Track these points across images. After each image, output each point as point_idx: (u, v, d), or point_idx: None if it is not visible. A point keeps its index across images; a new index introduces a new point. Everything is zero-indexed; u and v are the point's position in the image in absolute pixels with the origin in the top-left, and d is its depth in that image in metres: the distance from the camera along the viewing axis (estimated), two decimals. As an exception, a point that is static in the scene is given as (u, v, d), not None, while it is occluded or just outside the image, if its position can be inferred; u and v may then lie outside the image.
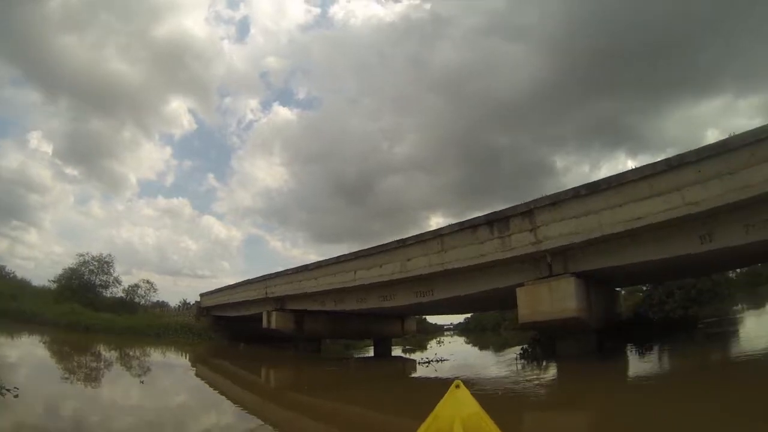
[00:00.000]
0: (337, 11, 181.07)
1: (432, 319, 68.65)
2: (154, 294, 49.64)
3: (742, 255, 15.50)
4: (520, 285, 15.25)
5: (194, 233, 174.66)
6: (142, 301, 47.61)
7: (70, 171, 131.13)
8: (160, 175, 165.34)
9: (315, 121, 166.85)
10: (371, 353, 32.83)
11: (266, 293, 28.56)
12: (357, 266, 21.04)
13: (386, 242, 20.13)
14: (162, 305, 59.08)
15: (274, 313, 27.50)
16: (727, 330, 20.67)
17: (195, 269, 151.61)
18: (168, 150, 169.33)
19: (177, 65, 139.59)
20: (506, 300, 16.76)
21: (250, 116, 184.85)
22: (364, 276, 20.46)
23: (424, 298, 18.92)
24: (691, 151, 12.53)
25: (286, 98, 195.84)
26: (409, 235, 19.38)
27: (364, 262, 20.74)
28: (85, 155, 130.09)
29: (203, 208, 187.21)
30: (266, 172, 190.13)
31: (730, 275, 39.45)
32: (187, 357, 26.88)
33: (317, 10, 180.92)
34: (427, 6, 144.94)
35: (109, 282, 45.19)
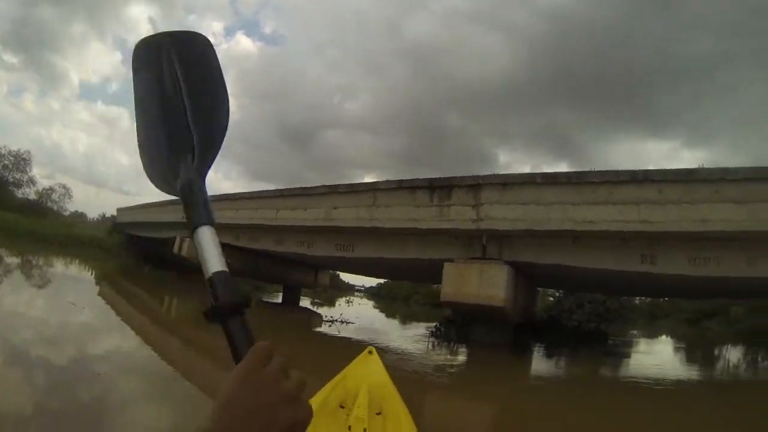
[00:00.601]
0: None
1: (345, 277, 67.60)
2: (69, 201, 45.59)
3: (675, 285, 15.11)
4: (449, 260, 13.81)
5: (128, 147, 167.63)
6: (55, 207, 43.78)
7: (9, 58, 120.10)
8: (104, 80, 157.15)
9: (275, 58, 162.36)
10: (279, 299, 30.90)
11: (183, 217, 25.37)
12: (280, 205, 18.94)
13: (316, 185, 18.15)
14: (80, 216, 55.67)
15: (187, 239, 24.66)
16: (628, 351, 21.41)
17: (121, 184, 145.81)
18: (118, 55, 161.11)
19: None
20: (429, 273, 15.42)
21: (210, 39, 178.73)
22: (285, 216, 18.38)
23: (345, 253, 17.18)
24: (657, 170, 12.09)
25: (251, 29, 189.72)
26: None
27: (288, 202, 18.66)
28: (29, 44, 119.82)
29: None
30: None
31: (636, 301, 40.67)
32: (93, 273, 24.81)
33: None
34: None
35: (22, 181, 41.49)
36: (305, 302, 32.87)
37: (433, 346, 15.36)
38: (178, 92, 0.92)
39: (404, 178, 15.18)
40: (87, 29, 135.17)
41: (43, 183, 44.95)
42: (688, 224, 10.88)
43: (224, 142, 0.93)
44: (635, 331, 34.48)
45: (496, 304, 12.73)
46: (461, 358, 14.34)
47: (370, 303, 56.48)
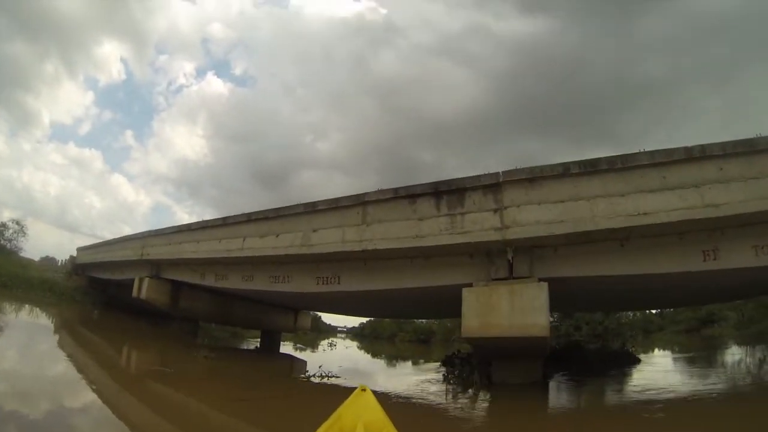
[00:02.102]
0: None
1: (327, 319, 63.18)
2: (23, 238, 40.41)
3: (734, 283, 11.96)
4: (467, 285, 10.18)
5: (101, 190, 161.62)
6: (9, 246, 38.82)
7: None
8: (77, 121, 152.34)
9: (246, 100, 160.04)
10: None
11: (142, 254, 21.43)
12: (247, 232, 14.99)
13: (289, 205, 14.19)
14: (50, 260, 51.33)
15: (146, 279, 20.58)
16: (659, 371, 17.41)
17: (95, 229, 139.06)
18: (90, 96, 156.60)
19: (119, 5, 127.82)
20: (438, 305, 12.24)
21: (182, 80, 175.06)
22: (254, 246, 14.47)
23: (328, 287, 13.26)
24: (714, 144, 9.18)
25: (222, 70, 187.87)
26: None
27: (256, 228, 14.74)
28: None
29: (115, 165, 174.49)
30: (186, 142, 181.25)
31: (629, 317, 38.05)
32: (52, 321, 20.82)
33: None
34: (384, 11, 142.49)
35: None
36: (287, 347, 28.89)
37: (453, 394, 11.40)
38: None
39: (400, 186, 11.53)
40: (59, 68, 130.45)
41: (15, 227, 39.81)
42: (755, 203, 8.45)
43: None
44: (633, 348, 31.28)
45: (537, 334, 9.22)
46: (495, 407, 10.31)
47: (354, 344, 52.01)
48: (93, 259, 29.58)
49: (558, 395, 11.39)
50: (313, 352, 31.03)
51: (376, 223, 11.35)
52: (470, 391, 11.25)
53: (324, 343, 42.51)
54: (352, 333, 74.75)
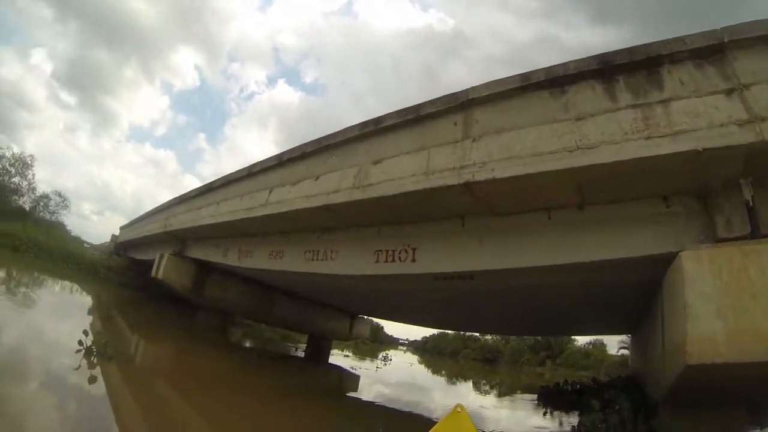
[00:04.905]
0: (362, 5, 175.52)
1: (389, 330, 58.43)
2: (65, 212, 38.60)
3: None
4: (666, 255, 5.06)
5: (174, 189, 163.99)
6: (52, 217, 36.74)
7: (66, 96, 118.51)
8: (153, 124, 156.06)
9: (316, 108, 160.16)
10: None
11: (165, 225, 17.02)
12: (276, 180, 9.85)
13: (336, 131, 8.72)
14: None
15: (166, 256, 16.10)
16: None
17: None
18: (166, 100, 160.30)
19: (194, 16, 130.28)
20: (585, 306, 7.87)
21: (253, 87, 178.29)
22: (283, 198, 9.19)
23: (394, 267, 7.72)
24: None
25: (293, 78, 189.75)
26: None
27: (288, 173, 9.54)
28: (84, 85, 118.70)
29: (187, 166, 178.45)
30: (257, 147, 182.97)
31: None
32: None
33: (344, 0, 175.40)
34: (452, 21, 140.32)
35: (22, 187, 34.53)
36: (338, 357, 24.29)
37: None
38: None
39: (529, 70, 6.08)
40: (138, 73, 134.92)
41: (93, 218, 38.17)
42: None
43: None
44: None
45: None
46: None
47: (415, 358, 47.13)
48: (129, 236, 25.41)
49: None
50: (372, 361, 26.91)
51: (492, 134, 6.00)
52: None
53: (380, 355, 37.64)
54: (414, 346, 69.83)
